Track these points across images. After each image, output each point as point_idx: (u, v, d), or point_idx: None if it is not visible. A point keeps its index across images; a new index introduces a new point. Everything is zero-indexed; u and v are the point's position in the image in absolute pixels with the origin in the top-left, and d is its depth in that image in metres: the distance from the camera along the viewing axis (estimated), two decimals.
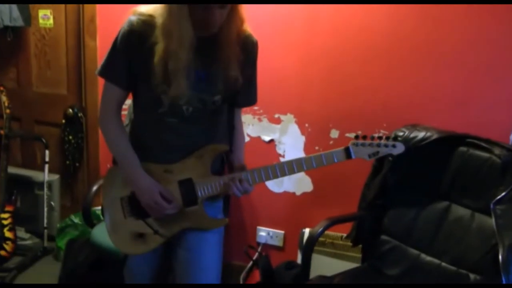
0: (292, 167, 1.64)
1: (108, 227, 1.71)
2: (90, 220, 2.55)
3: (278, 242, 2.79)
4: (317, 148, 2.60)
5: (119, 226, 1.68)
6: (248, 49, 1.57)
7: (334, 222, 2.13)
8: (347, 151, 1.63)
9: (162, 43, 1.43)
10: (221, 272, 1.75)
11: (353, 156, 1.63)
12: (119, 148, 1.62)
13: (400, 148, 1.66)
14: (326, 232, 2.20)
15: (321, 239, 2.51)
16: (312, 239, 2.05)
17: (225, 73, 1.52)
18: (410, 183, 2.13)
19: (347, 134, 2.53)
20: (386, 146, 1.65)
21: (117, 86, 1.58)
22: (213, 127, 1.65)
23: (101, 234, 2.43)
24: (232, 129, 1.70)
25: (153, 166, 1.63)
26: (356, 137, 1.64)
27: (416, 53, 2.36)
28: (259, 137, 2.69)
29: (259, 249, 2.73)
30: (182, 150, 1.62)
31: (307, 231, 2.60)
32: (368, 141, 1.65)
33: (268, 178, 1.64)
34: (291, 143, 2.64)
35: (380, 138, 1.65)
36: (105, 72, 1.58)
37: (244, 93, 1.65)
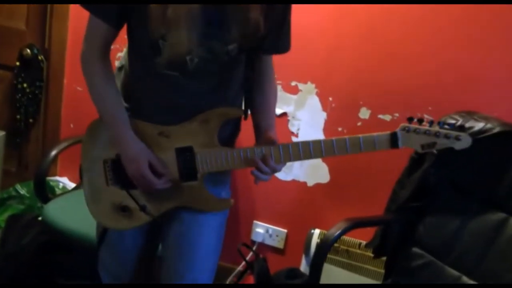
0: (320, 148, 1.61)
1: (86, 193, 1.74)
2: (44, 193, 2.54)
3: (278, 243, 2.78)
4: (340, 129, 2.58)
5: (99, 194, 1.71)
6: None
7: (355, 224, 2.11)
8: (393, 137, 1.58)
9: None
10: (217, 265, 1.79)
11: (400, 145, 1.58)
12: (103, 98, 1.60)
13: (465, 142, 1.58)
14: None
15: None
16: (327, 243, 2.04)
17: (243, 15, 1.47)
18: (457, 185, 2.10)
19: (380, 116, 2.51)
20: (447, 137, 1.56)
21: (104, 23, 1.52)
22: (224, 84, 1.62)
23: (56, 211, 2.43)
24: (250, 88, 1.68)
25: (145, 125, 1.63)
26: (410, 119, 1.57)
27: (482, 19, 2.29)
28: None
29: (254, 248, 2.72)
30: (183, 111, 1.61)
31: (316, 232, 2.61)
32: (424, 127, 1.57)
33: (298, 157, 1.64)
34: (308, 119, 2.62)
35: (441, 124, 1.57)
36: (90, 3, 1.52)
37: (274, 35, 1.59)
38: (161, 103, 1.61)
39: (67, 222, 2.35)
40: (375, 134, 1.58)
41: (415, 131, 1.57)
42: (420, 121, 1.58)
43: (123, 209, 1.69)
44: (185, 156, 1.62)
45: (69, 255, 2.45)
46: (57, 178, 3.06)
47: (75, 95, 3.01)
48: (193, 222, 1.69)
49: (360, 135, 1.58)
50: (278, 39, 1.63)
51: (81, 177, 1.75)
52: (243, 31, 1.49)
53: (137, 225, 1.70)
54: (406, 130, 1.57)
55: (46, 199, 2.51)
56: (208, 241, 1.72)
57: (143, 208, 1.66)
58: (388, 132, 1.58)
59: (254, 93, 1.70)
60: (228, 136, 1.71)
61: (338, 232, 2.02)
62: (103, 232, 1.80)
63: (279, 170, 1.63)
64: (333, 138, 1.60)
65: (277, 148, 1.60)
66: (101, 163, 1.69)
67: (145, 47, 1.52)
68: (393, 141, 1.58)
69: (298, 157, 1.63)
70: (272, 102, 1.75)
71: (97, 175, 1.70)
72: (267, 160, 1.58)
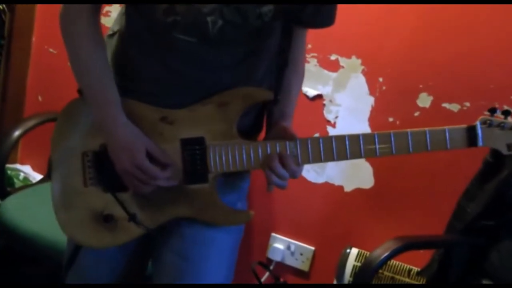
0: (373, 145, 1.58)
1: (55, 197, 1.70)
2: (1, 184, 2.54)
3: (302, 264, 2.80)
4: (391, 119, 2.57)
5: (73, 198, 1.68)
6: None
7: (408, 245, 2.10)
8: (471, 133, 1.54)
9: None
10: None
11: (480, 143, 1.54)
12: (89, 68, 1.59)
13: None
14: None
15: None
16: (370, 268, 2.03)
17: None
18: None
19: (445, 104, 2.49)
20: None
21: None
22: (252, 59, 1.61)
23: (16, 210, 2.42)
24: (285, 64, 1.66)
25: (143, 108, 1.61)
26: (492, 110, 1.53)
27: None
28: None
29: (271, 268, 2.72)
30: (196, 90, 1.59)
31: (353, 252, 2.62)
32: None
33: (330, 158, 1.60)
34: (349, 104, 2.63)
35: None
36: None
37: (316, 5, 1.58)
38: (168, 78, 1.59)
39: (30, 224, 2.34)
40: (446, 127, 1.54)
41: (500, 125, 1.53)
42: (506, 113, 1.55)
43: (106, 219, 1.65)
44: (194, 149, 1.60)
45: (38, 265, 2.45)
46: (17, 166, 3.07)
47: (45, 59, 3.01)
48: (198, 241, 1.67)
49: (426, 129, 1.55)
50: (321, 10, 1.62)
51: (49, 174, 1.73)
52: None
53: (123, 241, 1.67)
54: (488, 124, 1.54)
55: (3, 194, 2.50)
56: (217, 269, 1.69)
57: (133, 218, 1.62)
58: (464, 125, 1.54)
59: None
60: (250, 125, 1.70)
61: (386, 254, 2.00)
62: (74, 251, 1.77)
63: (297, 175, 1.60)
64: (391, 131, 1.56)
65: (316, 141, 1.57)
66: (79, 155, 1.66)
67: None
68: (471, 138, 1.55)
69: (344, 156, 1.59)
70: (294, 85, 1.75)
71: (72, 172, 1.67)
72: (286, 161, 1.55)
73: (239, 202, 1.74)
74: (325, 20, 1.65)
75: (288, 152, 1.57)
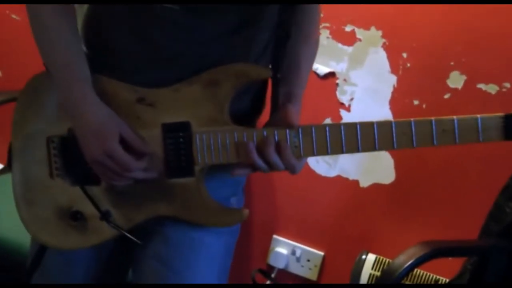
0: (390, 135, 1.55)
1: (16, 190, 1.71)
2: None
3: (310, 272, 2.81)
4: (416, 102, 2.57)
5: (37, 192, 1.69)
6: None
7: (437, 252, 2.05)
8: (507, 123, 1.52)
9: None
10: None
11: None
12: (54, 38, 1.58)
13: None
14: None
15: None
16: (393, 277, 1.97)
17: None
18: None
19: (481, 85, 2.48)
20: None
21: None
22: (247, 30, 1.61)
23: None
24: (285, 36, 1.66)
25: (118, 86, 1.61)
26: None
27: None
28: None
29: (273, 276, 2.73)
30: (179, 66, 1.60)
31: (370, 258, 2.64)
32: None
33: (338, 150, 1.59)
34: (367, 84, 2.62)
35: None
36: None
37: None
38: (146, 51, 1.59)
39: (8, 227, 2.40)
40: (478, 116, 1.52)
41: None
42: None
43: (74, 217, 1.65)
44: (177, 137, 1.60)
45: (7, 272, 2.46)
46: None
47: (7, 27, 3.03)
48: (183, 246, 1.68)
49: (454, 117, 1.52)
50: None
51: (9, 162, 1.71)
52: None
53: (93, 243, 1.67)
54: None
55: None
56: (206, 279, 1.69)
57: (105, 216, 1.62)
58: (500, 114, 1.52)
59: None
60: (246, 113, 1.70)
61: (410, 262, 1.95)
62: (39, 253, 1.76)
63: (297, 169, 1.59)
64: (412, 119, 1.54)
65: (322, 129, 1.55)
66: (43, 141, 1.67)
67: None
68: (507, 128, 1.53)
69: (355, 148, 1.58)
70: (304, 59, 1.74)
71: (36, 162, 1.67)
72: (283, 149, 1.54)
73: (233, 197, 1.75)
74: None
75: (288, 142, 1.56)
